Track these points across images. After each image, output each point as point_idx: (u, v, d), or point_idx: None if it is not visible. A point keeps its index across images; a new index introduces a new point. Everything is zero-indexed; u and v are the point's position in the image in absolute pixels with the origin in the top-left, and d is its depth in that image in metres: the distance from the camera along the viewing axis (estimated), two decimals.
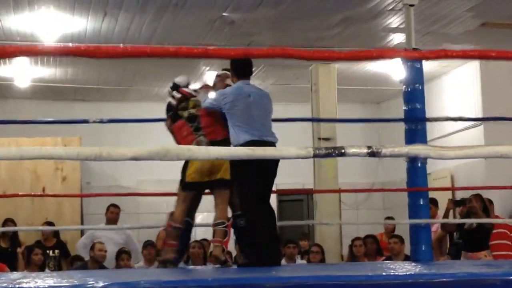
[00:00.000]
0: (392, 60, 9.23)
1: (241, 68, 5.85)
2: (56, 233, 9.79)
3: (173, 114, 6.14)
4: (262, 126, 5.74)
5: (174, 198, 6.17)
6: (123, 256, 8.82)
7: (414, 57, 6.08)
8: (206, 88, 6.28)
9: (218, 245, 5.85)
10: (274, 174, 5.81)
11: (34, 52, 3.44)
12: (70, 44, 9.04)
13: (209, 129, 5.94)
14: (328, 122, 9.89)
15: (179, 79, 6.29)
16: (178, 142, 6.00)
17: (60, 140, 11.03)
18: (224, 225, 5.80)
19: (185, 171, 5.88)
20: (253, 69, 6.25)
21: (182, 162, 5.93)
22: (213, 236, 5.99)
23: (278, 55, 3.44)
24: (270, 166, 5.67)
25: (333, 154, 3.02)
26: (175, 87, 6.21)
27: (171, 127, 6.17)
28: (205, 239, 9.67)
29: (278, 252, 6.04)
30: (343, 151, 3.05)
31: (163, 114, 6.32)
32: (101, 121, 7.08)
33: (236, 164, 5.64)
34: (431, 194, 8.02)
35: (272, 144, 5.67)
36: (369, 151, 3.14)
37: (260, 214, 5.69)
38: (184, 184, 5.92)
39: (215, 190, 5.95)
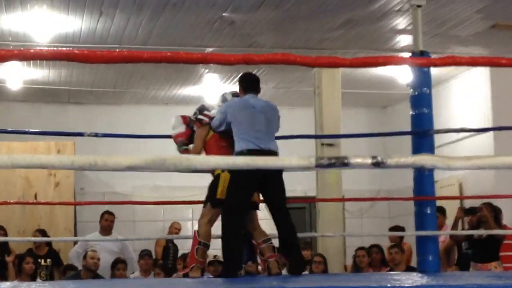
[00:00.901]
0: None
1: (248, 84, 6.13)
2: (48, 241, 9.56)
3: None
4: (263, 135, 5.87)
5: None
6: (119, 265, 8.76)
7: (421, 65, 5.99)
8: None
9: (273, 260, 6.05)
10: (276, 182, 5.88)
11: (27, 56, 3.22)
12: (64, 48, 8.84)
13: None
14: (332, 129, 9.64)
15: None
16: (205, 149, 6.15)
17: (53, 144, 10.88)
18: (270, 241, 6.06)
19: (215, 189, 6.01)
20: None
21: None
22: (262, 255, 6.15)
23: (279, 61, 3.26)
24: (267, 175, 5.71)
25: (336, 165, 2.81)
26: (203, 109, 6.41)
27: (208, 137, 6.22)
28: None
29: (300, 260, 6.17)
30: (346, 161, 2.86)
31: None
32: (96, 135, 7.15)
33: (231, 172, 5.83)
34: (439, 202, 7.84)
35: (271, 153, 5.81)
36: (374, 161, 2.97)
37: (239, 224, 5.83)
38: (213, 201, 6.05)
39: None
